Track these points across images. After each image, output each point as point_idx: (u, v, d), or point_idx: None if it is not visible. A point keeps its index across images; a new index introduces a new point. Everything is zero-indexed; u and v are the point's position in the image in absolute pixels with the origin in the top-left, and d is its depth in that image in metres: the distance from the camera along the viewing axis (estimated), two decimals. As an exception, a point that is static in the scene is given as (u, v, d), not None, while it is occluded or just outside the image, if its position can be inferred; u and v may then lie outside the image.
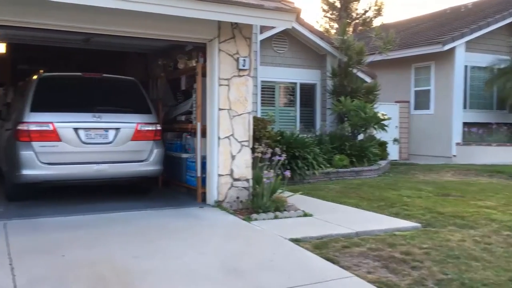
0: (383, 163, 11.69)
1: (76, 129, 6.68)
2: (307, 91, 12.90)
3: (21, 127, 6.49)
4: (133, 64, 10.44)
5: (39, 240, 5.01)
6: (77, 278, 3.95)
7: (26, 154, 6.42)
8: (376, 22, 30.11)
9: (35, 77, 7.19)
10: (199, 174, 7.07)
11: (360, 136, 12.12)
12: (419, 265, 4.53)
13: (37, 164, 6.45)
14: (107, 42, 8.21)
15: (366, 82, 13.04)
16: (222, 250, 4.85)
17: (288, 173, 6.86)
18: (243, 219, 6.09)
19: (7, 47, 8.93)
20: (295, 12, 6.71)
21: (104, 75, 7.49)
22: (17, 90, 8.95)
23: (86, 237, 5.18)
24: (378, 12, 32.23)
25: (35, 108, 6.62)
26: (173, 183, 8.28)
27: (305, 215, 6.41)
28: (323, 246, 5.01)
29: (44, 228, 5.53)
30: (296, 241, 5.16)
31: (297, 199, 7.02)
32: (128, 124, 7.03)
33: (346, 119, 11.90)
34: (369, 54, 12.89)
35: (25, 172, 6.43)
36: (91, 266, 4.23)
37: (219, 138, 6.79)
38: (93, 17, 5.96)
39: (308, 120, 12.88)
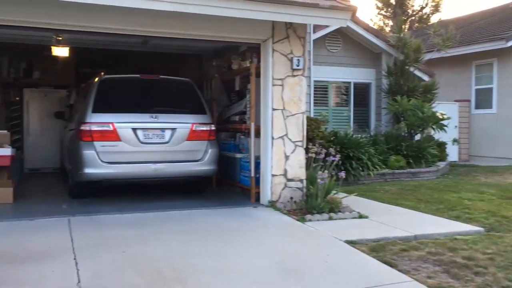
0: (441, 164, 11.27)
1: (134, 129, 6.88)
2: (361, 90, 12.64)
3: (84, 127, 6.76)
4: (188, 65, 10.65)
5: (100, 236, 5.20)
6: (137, 274, 4.06)
7: (88, 153, 6.68)
8: (434, 19, 29.08)
9: (96, 79, 7.48)
10: (253, 174, 7.10)
11: (417, 137, 11.74)
12: (482, 271, 4.32)
13: (98, 163, 6.69)
14: (164, 44, 8.44)
15: (423, 80, 12.63)
16: (277, 250, 4.83)
17: (342, 174, 6.76)
18: (297, 220, 6.06)
19: (70, 51, 9.34)
20: (351, 10, 6.60)
21: (161, 76, 7.68)
22: (79, 92, 9.37)
23: (144, 234, 5.32)
24: (436, 8, 31.12)
25: (97, 109, 6.88)
26: (227, 182, 8.37)
27: (361, 216, 6.29)
28: (380, 249, 4.89)
29: (105, 224, 5.74)
30: (351, 243, 5.07)
31: (351, 201, 6.90)
32: (183, 124, 7.16)
33: (402, 119, 11.57)
34: (426, 52, 12.45)
35: (87, 170, 6.70)
36: (149, 263, 4.34)
37: (273, 138, 6.79)
38: (150, 20, 6.11)
39: (362, 120, 12.63)
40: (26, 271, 4.08)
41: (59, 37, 7.86)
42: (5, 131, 7.83)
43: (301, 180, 6.89)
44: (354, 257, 4.70)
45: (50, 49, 9.12)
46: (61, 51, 9.08)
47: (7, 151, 6.96)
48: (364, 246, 4.99)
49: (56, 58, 10.04)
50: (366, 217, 6.28)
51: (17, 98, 10.92)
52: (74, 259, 4.39)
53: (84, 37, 7.88)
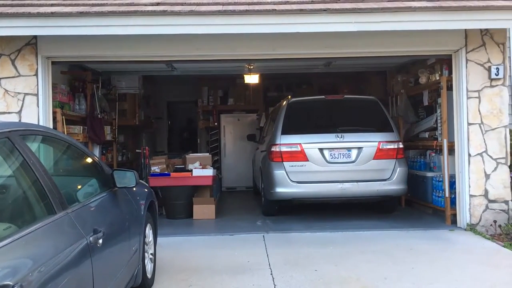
0: None
1: (321, 149, 7.02)
2: None
3: (274, 148, 7.16)
4: (371, 82, 10.52)
5: (292, 253, 5.39)
6: (331, 294, 4.08)
7: (278, 173, 7.03)
8: None
9: (284, 102, 7.88)
10: (447, 194, 6.60)
11: None
12: None
13: (288, 182, 6.99)
14: (346, 64, 8.49)
15: None
16: (481, 280, 4.37)
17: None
18: (504, 246, 5.41)
19: (259, 77, 10.06)
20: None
21: (346, 96, 7.73)
22: (269, 115, 9.98)
23: (334, 253, 5.34)
24: None
25: (285, 131, 7.22)
26: (416, 202, 7.95)
27: None
28: None
29: (296, 242, 5.94)
30: None
31: None
32: (370, 143, 7.05)
33: None
34: None
35: (278, 189, 7.04)
36: (341, 283, 4.34)
37: (469, 155, 6.26)
38: (334, 42, 6.24)
39: None
40: (228, 282, 4.43)
41: (251, 65, 8.55)
42: (207, 154, 8.76)
43: (505, 202, 6.18)
44: None
45: (243, 77, 9.96)
46: (252, 79, 9.83)
47: (209, 171, 7.76)
48: None
49: (246, 85, 10.93)
50: None
51: (216, 124, 12.14)
52: (271, 274, 4.62)
53: (272, 64, 8.42)
